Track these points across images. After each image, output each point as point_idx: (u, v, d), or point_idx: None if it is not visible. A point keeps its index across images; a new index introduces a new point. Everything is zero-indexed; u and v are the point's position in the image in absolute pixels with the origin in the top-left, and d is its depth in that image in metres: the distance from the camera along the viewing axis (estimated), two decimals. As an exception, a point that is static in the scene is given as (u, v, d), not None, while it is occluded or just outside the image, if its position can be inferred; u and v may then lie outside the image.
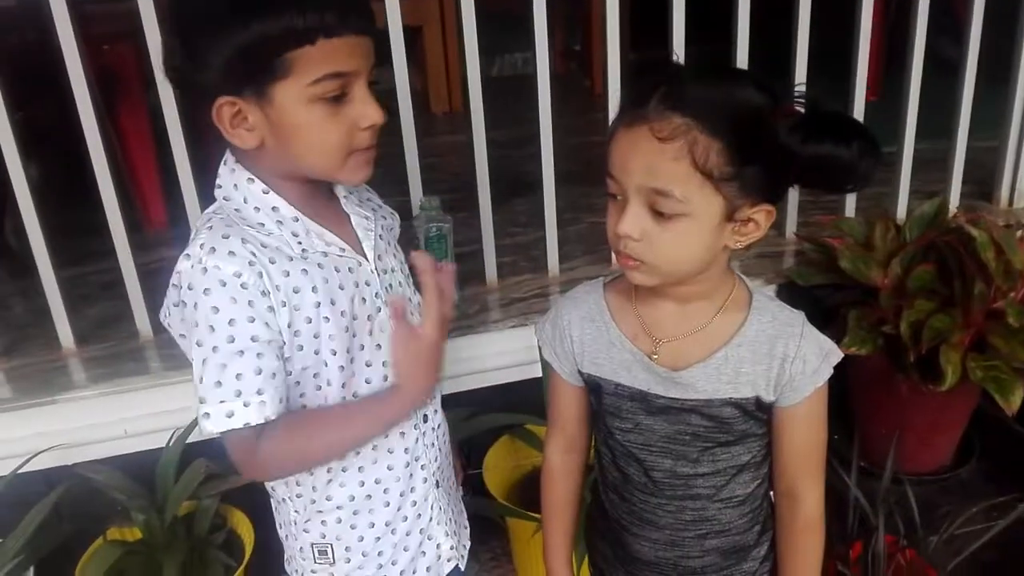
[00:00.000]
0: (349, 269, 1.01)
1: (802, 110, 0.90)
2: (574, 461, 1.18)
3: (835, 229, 1.88)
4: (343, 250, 1.01)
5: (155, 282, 1.79)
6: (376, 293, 1.04)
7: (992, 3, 1.98)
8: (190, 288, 0.93)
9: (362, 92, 0.94)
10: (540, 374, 1.81)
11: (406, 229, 1.23)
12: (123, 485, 1.64)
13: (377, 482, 1.08)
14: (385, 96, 1.91)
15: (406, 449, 1.09)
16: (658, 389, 1.01)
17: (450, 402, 1.80)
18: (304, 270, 0.96)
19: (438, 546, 1.17)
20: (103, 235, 1.74)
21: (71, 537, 1.69)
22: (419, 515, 1.13)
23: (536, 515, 1.70)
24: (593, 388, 1.07)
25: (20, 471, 1.60)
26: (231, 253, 0.92)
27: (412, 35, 1.70)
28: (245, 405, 0.92)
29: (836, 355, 1.00)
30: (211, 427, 0.93)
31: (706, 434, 1.01)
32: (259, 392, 0.93)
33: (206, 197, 1.68)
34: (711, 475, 1.04)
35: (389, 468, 1.08)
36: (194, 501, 1.67)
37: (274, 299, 0.94)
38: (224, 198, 0.99)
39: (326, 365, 0.99)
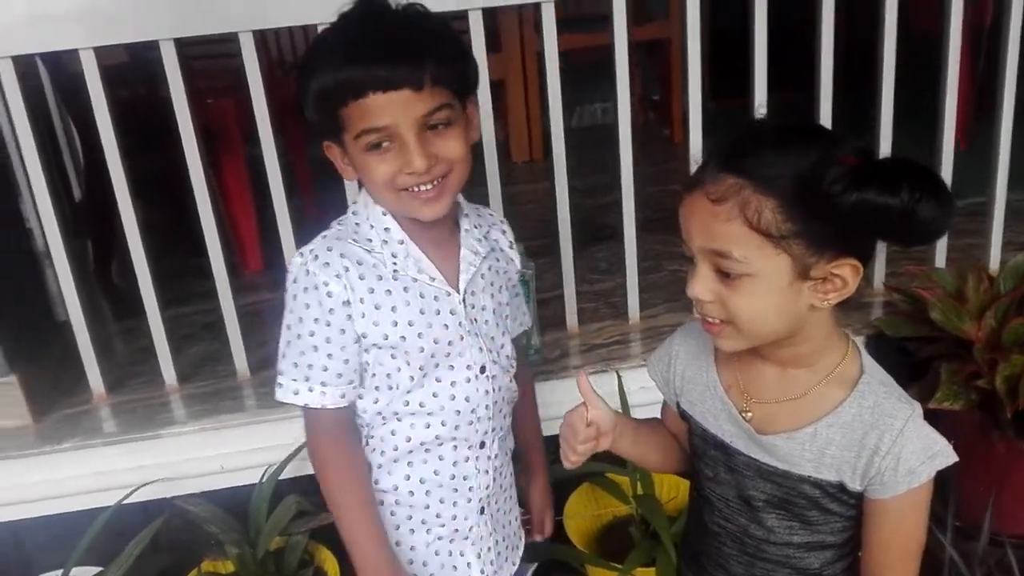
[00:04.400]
0: (435, 297, 1.13)
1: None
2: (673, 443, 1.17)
3: (925, 280, 1.84)
4: (433, 279, 1.12)
5: (251, 323, 1.89)
6: (459, 323, 1.14)
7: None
8: (294, 281, 1.10)
9: (408, 140, 1.03)
10: (621, 420, 1.82)
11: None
12: (218, 518, 1.70)
13: (422, 481, 1.19)
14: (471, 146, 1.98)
15: (455, 463, 1.19)
16: (739, 445, 1.00)
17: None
18: (389, 290, 1.10)
19: (468, 565, 1.24)
20: (202, 278, 1.84)
21: (168, 568, 1.75)
22: (456, 529, 1.22)
23: (617, 565, 1.70)
24: (688, 423, 1.08)
25: (123, 503, 1.68)
26: (326, 264, 1.08)
27: (495, 88, 1.76)
28: (310, 390, 1.11)
29: (945, 458, 0.93)
30: (280, 395, 1.13)
31: (782, 505, 0.99)
32: (323, 384, 1.11)
33: (302, 242, 1.77)
34: (783, 545, 1.01)
35: (436, 473, 1.19)
36: (284, 536, 1.72)
37: (355, 310, 1.09)
38: (353, 212, 1.14)
39: (398, 371, 1.13)
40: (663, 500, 1.84)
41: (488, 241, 1.21)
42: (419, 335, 1.12)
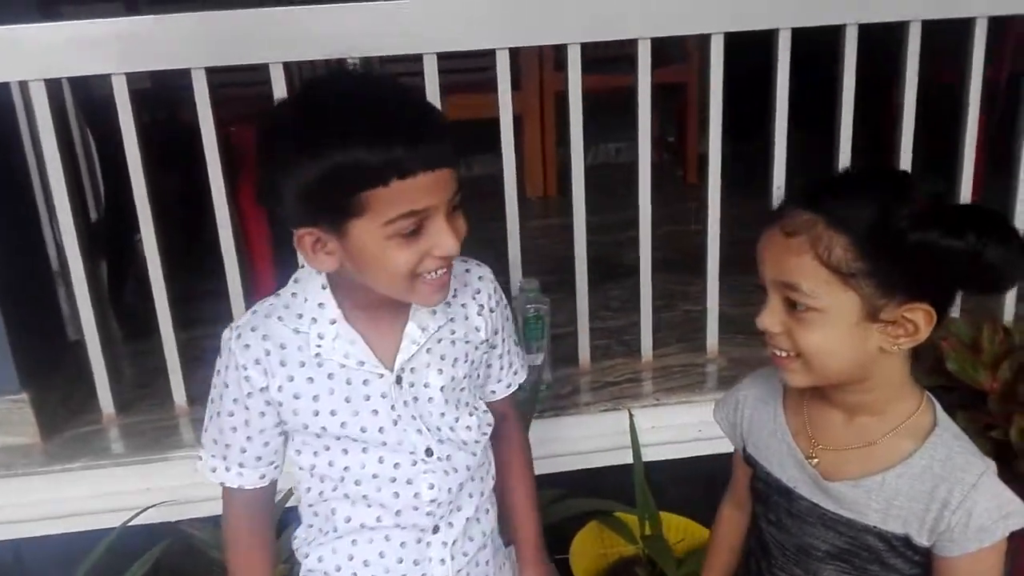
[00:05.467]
0: (364, 381, 1.03)
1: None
2: (740, 519, 1.16)
3: (941, 330, 1.84)
4: (361, 363, 1.02)
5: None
6: (392, 406, 1.04)
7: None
8: (219, 355, 1.05)
9: (439, 223, 0.94)
10: (631, 460, 1.81)
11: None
12: (222, 545, 1.68)
13: (366, 564, 1.09)
14: (488, 181, 1.99)
15: (403, 544, 1.09)
16: (804, 491, 0.98)
17: (539, 483, 1.83)
18: (310, 378, 1.02)
19: None
20: (211, 301, 1.84)
21: (169, 593, 1.74)
22: None
23: (623, 605, 1.68)
24: (752, 468, 1.07)
25: (128, 524, 1.67)
26: (247, 347, 1.01)
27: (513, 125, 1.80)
28: (227, 470, 1.08)
29: (1020, 518, 0.90)
30: (199, 468, 1.10)
31: (842, 555, 0.97)
32: (241, 465, 1.07)
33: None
34: None
35: (381, 556, 1.09)
36: (288, 565, 1.70)
37: (272, 397, 1.02)
38: (295, 279, 1.05)
39: (328, 462, 1.06)
40: (671, 542, 1.82)
41: (448, 311, 1.08)
42: (342, 424, 1.03)
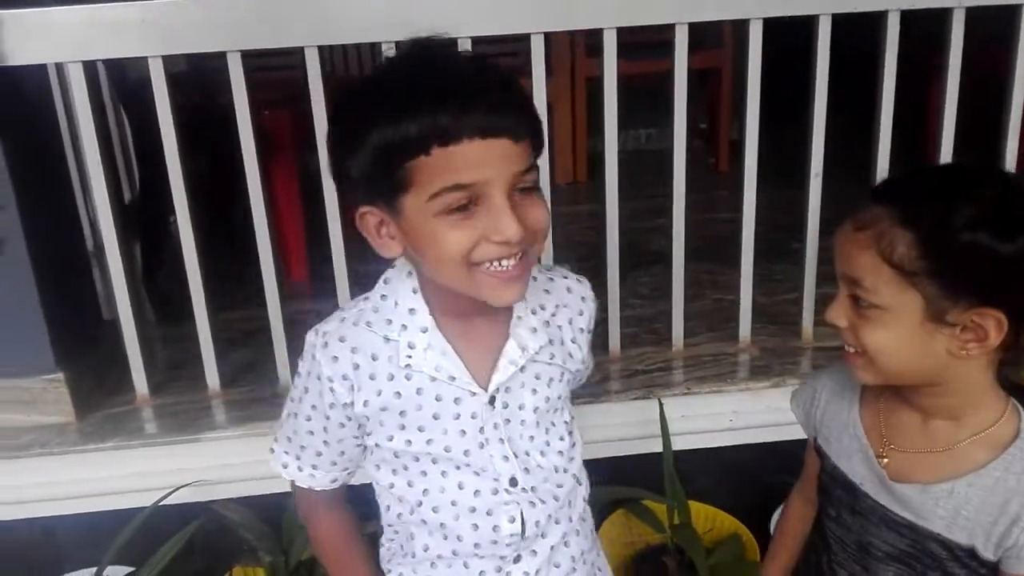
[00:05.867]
0: (455, 399, 0.95)
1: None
2: (808, 511, 1.14)
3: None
4: (453, 378, 0.94)
5: (293, 332, 1.89)
6: (481, 428, 0.96)
7: None
8: (302, 358, 0.99)
9: (496, 201, 0.83)
10: (661, 448, 1.80)
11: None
12: (253, 525, 1.70)
13: None
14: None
15: (481, 573, 1.01)
16: (869, 488, 0.97)
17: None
18: (398, 392, 0.95)
19: None
20: (244, 285, 1.85)
21: (201, 572, 1.76)
22: None
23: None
24: (821, 460, 1.06)
25: (160, 504, 1.69)
26: (335, 359, 0.94)
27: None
28: (299, 469, 1.04)
29: None
30: (271, 461, 1.06)
31: (903, 558, 0.95)
32: (314, 467, 1.03)
33: (352, 256, 1.78)
34: None
35: None
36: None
37: (357, 411, 0.96)
38: (384, 281, 0.98)
39: (407, 483, 0.99)
40: (700, 531, 1.81)
41: (547, 331, 0.99)
42: (428, 442, 0.96)
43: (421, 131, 0.80)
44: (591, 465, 1.86)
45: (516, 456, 0.98)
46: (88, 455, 1.75)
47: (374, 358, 0.94)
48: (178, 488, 1.69)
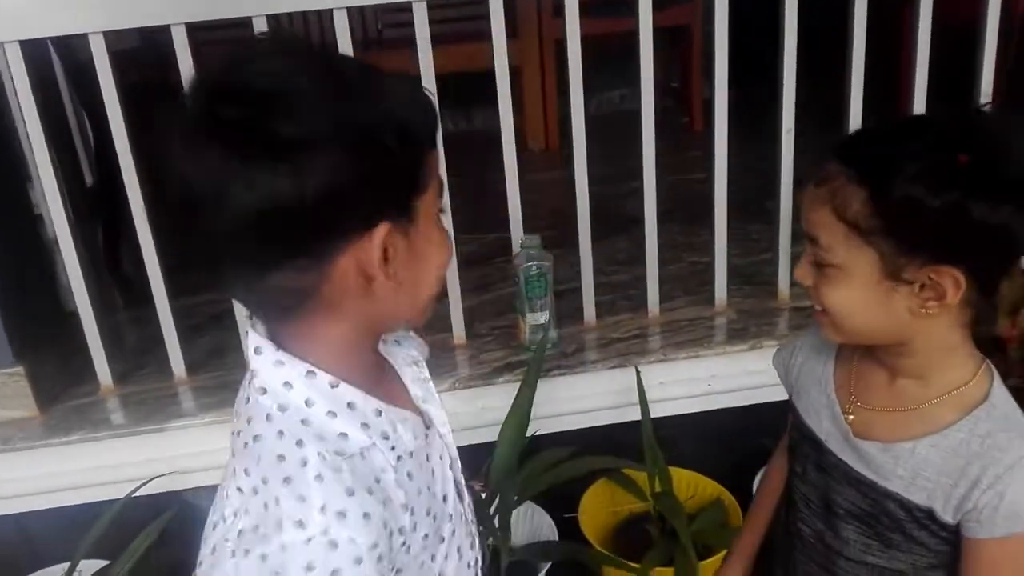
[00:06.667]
0: (427, 456, 0.77)
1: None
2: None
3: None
4: (427, 431, 0.78)
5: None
6: (450, 465, 0.81)
7: None
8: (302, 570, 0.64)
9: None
10: (639, 417, 1.78)
11: (504, 266, 1.13)
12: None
13: None
14: (488, 134, 1.92)
15: None
16: (833, 445, 0.95)
17: (546, 442, 1.80)
18: (404, 490, 0.72)
19: None
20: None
21: (177, 563, 1.72)
22: None
23: (633, 564, 1.66)
24: (792, 416, 1.04)
25: (132, 496, 1.65)
26: (366, 516, 0.66)
27: (512, 75, 1.72)
28: None
29: None
30: None
31: (864, 517, 0.94)
32: None
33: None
34: (857, 563, 0.96)
35: None
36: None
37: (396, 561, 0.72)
38: (278, 407, 0.70)
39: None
40: (682, 497, 1.80)
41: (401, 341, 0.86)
42: (432, 516, 0.77)
43: (428, 118, 0.70)
44: (571, 436, 1.86)
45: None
46: (54, 449, 1.71)
47: (378, 480, 0.71)
48: (149, 480, 1.66)
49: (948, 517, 0.87)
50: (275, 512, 0.66)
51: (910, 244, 0.81)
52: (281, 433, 0.69)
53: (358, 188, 0.64)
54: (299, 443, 0.68)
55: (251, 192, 0.61)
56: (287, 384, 0.70)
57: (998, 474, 0.83)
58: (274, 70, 0.65)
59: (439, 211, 0.73)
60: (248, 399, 0.73)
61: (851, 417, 0.94)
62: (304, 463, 0.68)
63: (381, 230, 0.66)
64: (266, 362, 0.71)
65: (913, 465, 0.88)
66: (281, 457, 0.68)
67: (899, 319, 0.85)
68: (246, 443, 0.70)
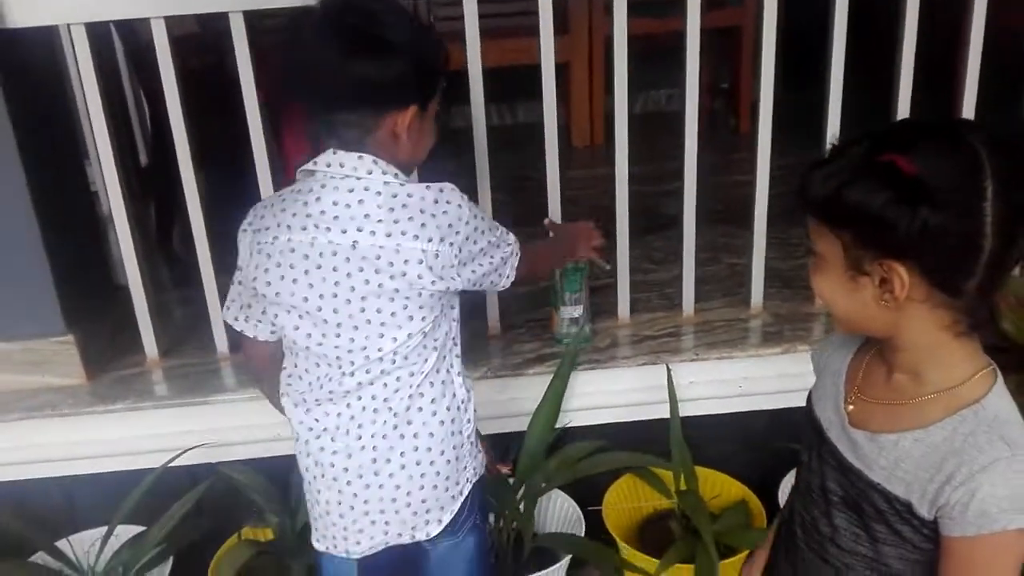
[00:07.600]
0: None
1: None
2: None
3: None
4: None
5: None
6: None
7: None
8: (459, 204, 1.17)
9: None
10: (668, 415, 1.79)
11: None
12: (261, 487, 1.72)
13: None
14: (532, 128, 1.93)
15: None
16: (832, 433, 0.98)
17: (575, 435, 1.82)
18: None
19: None
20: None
21: (209, 532, 1.78)
22: None
23: (654, 559, 1.67)
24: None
25: (170, 465, 1.71)
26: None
27: (559, 70, 1.73)
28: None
29: None
30: None
31: (852, 506, 0.96)
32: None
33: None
34: (847, 552, 0.97)
35: None
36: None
37: None
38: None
39: None
40: (706, 497, 1.80)
41: None
42: None
43: (443, 53, 1.18)
44: (600, 430, 1.87)
45: None
46: (99, 417, 1.77)
47: None
48: (187, 450, 1.71)
49: (924, 511, 0.88)
50: None
51: (861, 237, 0.84)
52: None
53: (409, 83, 1.12)
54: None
55: (355, 71, 1.10)
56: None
57: (972, 472, 0.84)
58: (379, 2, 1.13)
59: (436, 114, 1.18)
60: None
61: (850, 407, 0.97)
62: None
63: (411, 110, 1.14)
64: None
65: (895, 456, 0.90)
66: None
67: (872, 309, 0.87)
68: None
